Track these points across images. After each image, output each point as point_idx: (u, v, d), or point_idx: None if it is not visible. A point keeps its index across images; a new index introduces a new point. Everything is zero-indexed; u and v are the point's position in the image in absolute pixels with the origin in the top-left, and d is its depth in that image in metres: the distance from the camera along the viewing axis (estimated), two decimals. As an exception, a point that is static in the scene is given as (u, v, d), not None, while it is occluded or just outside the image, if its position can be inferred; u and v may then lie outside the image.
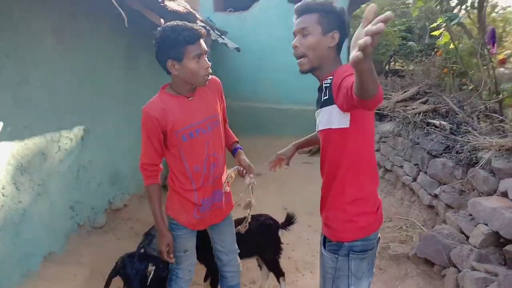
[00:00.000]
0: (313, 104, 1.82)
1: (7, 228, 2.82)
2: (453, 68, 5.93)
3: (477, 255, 2.75)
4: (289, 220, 3.05)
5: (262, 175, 6.13)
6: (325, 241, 1.79)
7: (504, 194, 2.85)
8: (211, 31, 6.26)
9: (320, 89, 1.70)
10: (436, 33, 4.08)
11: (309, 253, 3.82)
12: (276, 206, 5.01)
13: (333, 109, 1.55)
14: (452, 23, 3.73)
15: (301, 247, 3.93)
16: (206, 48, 1.90)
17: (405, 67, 12.47)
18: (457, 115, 4.28)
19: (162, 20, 4.23)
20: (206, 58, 1.91)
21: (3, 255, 2.75)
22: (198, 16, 5.33)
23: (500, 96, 3.61)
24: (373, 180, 1.72)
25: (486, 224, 2.79)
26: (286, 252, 3.53)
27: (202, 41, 1.89)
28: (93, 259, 3.39)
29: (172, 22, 1.90)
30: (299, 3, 1.69)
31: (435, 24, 3.99)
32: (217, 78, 2.16)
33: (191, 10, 4.99)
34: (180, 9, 4.53)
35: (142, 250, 2.23)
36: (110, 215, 4.14)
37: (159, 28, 1.91)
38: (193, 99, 2.01)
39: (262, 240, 2.85)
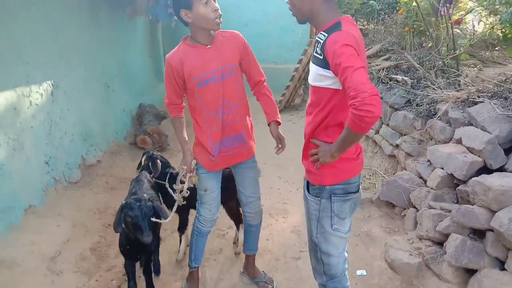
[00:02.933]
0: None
1: (-14, 183, 2.83)
2: (414, 26, 6.16)
3: (433, 196, 3.07)
4: None
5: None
6: (308, 186, 1.94)
7: (459, 141, 3.15)
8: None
9: (315, 42, 1.72)
10: (400, -10, 4.25)
11: (280, 201, 4.08)
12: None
13: (327, 73, 1.61)
14: (417, -19, 3.89)
15: (273, 196, 4.17)
16: None
17: (367, 26, 12.68)
18: (417, 71, 4.53)
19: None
20: (214, 2, 2.01)
21: (-15, 209, 2.77)
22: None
23: (457, 52, 3.87)
24: None
25: (442, 168, 3.10)
26: (259, 201, 3.76)
27: None
28: (73, 212, 3.46)
29: None
30: None
31: (399, -17, 4.15)
32: (237, 32, 2.25)
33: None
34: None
35: (145, 195, 2.30)
36: (84, 171, 4.17)
37: None
38: (210, 47, 2.13)
39: (226, 191, 2.81)
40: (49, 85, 3.79)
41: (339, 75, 1.51)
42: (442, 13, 4.18)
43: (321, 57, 1.61)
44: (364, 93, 1.41)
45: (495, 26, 3.15)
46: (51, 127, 3.75)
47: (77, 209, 3.55)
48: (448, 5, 4.57)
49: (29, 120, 3.41)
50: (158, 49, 8.30)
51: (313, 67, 1.72)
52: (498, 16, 3.23)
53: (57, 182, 3.69)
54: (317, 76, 1.69)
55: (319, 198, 1.84)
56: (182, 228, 3.07)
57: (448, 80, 3.94)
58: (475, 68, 4.27)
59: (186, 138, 2.37)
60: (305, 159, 1.93)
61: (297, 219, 3.69)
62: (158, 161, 2.96)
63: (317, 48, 1.64)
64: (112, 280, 2.81)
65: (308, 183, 1.94)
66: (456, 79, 3.94)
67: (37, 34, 3.62)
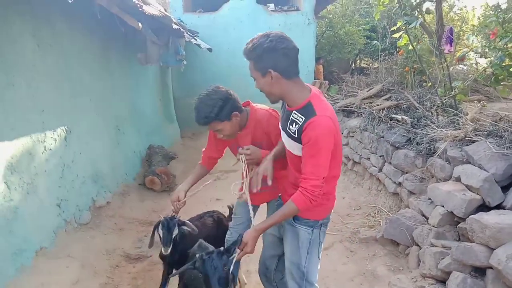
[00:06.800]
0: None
1: (0, 225, 2.95)
2: (414, 66, 6.36)
3: (435, 233, 3.10)
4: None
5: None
6: (293, 219, 2.07)
7: (458, 179, 3.21)
8: (185, 33, 6.44)
9: (288, 116, 1.93)
10: (396, 35, 4.46)
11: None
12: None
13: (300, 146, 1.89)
14: (410, 26, 4.10)
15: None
16: (216, 128, 2.26)
17: (370, 65, 13.01)
18: (417, 110, 4.67)
19: (140, 24, 4.40)
20: (219, 133, 2.31)
21: (-2, 251, 2.88)
22: (173, 18, 5.51)
23: (453, 92, 4.00)
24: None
25: (443, 206, 3.15)
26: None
27: (210, 125, 2.24)
28: (83, 253, 3.54)
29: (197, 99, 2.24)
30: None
31: (395, 27, 4.35)
32: (266, 116, 2.40)
33: (166, 13, 5.17)
34: (156, 13, 4.71)
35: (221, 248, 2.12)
36: (94, 212, 4.28)
37: None
38: (241, 133, 2.41)
39: (217, 232, 3.03)
40: (63, 130, 3.98)
41: (303, 155, 1.85)
42: (446, 51, 4.32)
43: (296, 136, 1.87)
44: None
45: (487, 69, 3.29)
46: (63, 170, 3.91)
47: (86, 250, 3.63)
48: (449, 43, 4.74)
49: (43, 165, 3.58)
50: (168, 92, 8.60)
51: (286, 139, 1.99)
52: (489, 58, 3.37)
53: (67, 224, 3.80)
54: (293, 146, 1.95)
55: (312, 229, 2.06)
56: None
57: (448, 119, 4.05)
58: (479, 104, 4.36)
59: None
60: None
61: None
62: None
63: (292, 127, 1.89)
64: (118, 321, 2.85)
65: (294, 217, 2.07)
66: (455, 118, 4.05)
67: (53, 82, 3.85)
